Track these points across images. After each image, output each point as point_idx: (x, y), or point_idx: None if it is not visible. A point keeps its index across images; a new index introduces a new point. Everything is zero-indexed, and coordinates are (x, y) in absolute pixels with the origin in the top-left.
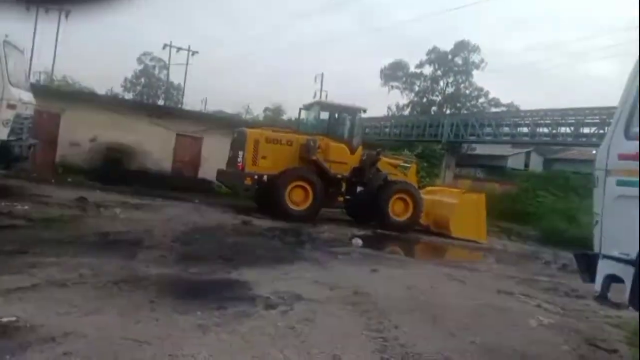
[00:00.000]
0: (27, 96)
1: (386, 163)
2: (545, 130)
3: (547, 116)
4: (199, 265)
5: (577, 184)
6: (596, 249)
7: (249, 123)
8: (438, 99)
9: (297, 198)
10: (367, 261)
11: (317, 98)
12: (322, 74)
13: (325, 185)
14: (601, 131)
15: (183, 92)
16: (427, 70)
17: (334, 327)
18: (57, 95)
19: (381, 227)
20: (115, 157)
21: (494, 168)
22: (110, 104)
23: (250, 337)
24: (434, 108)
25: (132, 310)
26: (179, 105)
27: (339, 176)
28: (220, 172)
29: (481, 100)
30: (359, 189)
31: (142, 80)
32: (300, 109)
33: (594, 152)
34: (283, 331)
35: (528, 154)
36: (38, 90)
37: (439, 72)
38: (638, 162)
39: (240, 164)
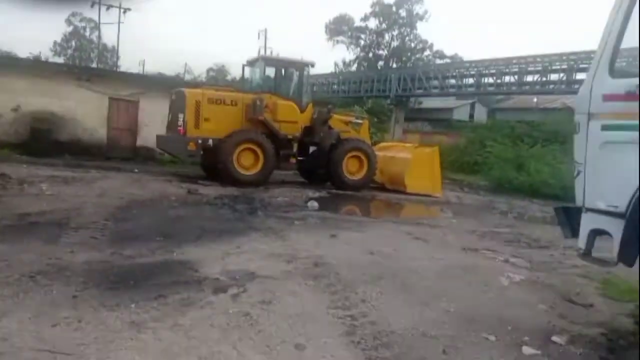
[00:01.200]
0: None
1: (338, 120)
2: (491, 80)
3: (491, 66)
4: (135, 246)
5: (522, 132)
6: (578, 202)
7: (189, 84)
8: (384, 53)
9: (246, 162)
10: (325, 226)
11: (262, 54)
12: (265, 30)
13: (276, 146)
14: (544, 78)
15: (117, 54)
16: (372, 23)
17: (294, 308)
18: None
19: (336, 187)
20: (42, 127)
21: (440, 121)
22: (32, 68)
23: (195, 331)
24: (380, 63)
25: (49, 309)
26: (114, 69)
27: (290, 136)
28: (159, 138)
29: (426, 53)
30: (311, 149)
31: (73, 43)
32: (243, 66)
33: (534, 100)
34: (235, 320)
35: (473, 105)
36: None
37: (384, 26)
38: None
39: (181, 128)
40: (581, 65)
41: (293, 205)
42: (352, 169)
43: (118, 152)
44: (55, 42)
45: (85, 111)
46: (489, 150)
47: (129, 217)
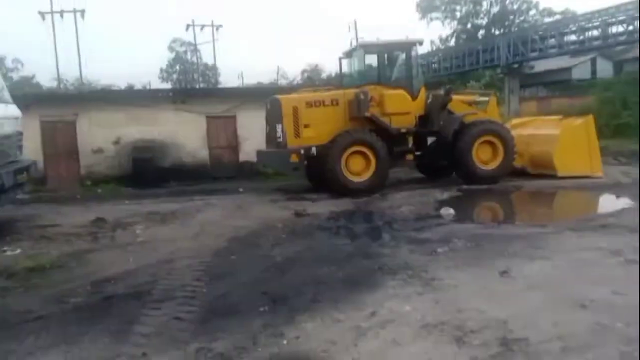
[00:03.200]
0: (4, 110)
1: (459, 102)
2: (621, 28)
3: (619, 12)
4: (231, 329)
5: None
6: None
7: (284, 90)
8: (484, 21)
9: (357, 167)
10: (483, 252)
11: (360, 41)
12: (355, 21)
13: (388, 144)
14: None
15: (216, 70)
16: None
17: None
18: (68, 100)
19: (466, 181)
20: (143, 156)
21: (558, 83)
22: (128, 98)
23: None
24: (481, 32)
25: None
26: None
27: (403, 130)
28: (260, 154)
29: (532, 12)
30: (429, 140)
31: (177, 67)
32: (340, 59)
33: None
34: None
35: (593, 60)
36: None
37: None
38: None
39: (281, 139)
40: None
41: (423, 217)
42: (484, 157)
43: (222, 171)
44: (161, 70)
45: (184, 134)
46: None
47: (227, 270)
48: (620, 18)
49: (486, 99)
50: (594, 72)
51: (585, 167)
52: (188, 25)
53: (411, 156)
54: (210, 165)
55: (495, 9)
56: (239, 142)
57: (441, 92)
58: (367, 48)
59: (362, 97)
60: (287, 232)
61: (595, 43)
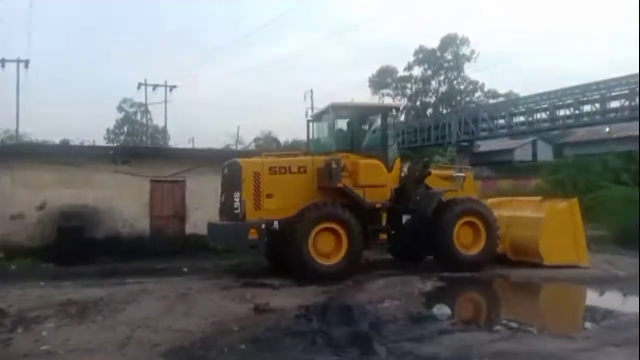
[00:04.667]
0: None
1: (436, 177)
2: (568, 112)
3: (566, 96)
4: None
5: (618, 167)
6: None
7: (243, 154)
8: (432, 100)
9: (326, 247)
10: None
11: (332, 103)
12: (312, 90)
13: (362, 221)
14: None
15: (166, 133)
16: (417, 71)
17: None
18: None
19: (445, 268)
20: (72, 224)
21: (501, 163)
22: (60, 156)
23: None
24: (429, 110)
25: None
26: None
27: (378, 205)
28: (212, 228)
29: (477, 94)
30: (404, 218)
31: (125, 128)
32: (308, 122)
33: (607, 129)
34: None
35: (534, 143)
36: None
37: (429, 72)
38: None
39: (238, 210)
40: None
41: (415, 318)
42: (465, 240)
43: (165, 245)
44: (108, 130)
45: (123, 199)
46: (603, 192)
47: None
48: (568, 102)
49: (463, 174)
50: (534, 154)
51: (571, 255)
52: (140, 84)
53: (384, 235)
54: (150, 237)
55: (443, 89)
56: (187, 211)
57: (418, 164)
58: (340, 110)
59: (334, 165)
60: (246, 340)
61: (544, 125)
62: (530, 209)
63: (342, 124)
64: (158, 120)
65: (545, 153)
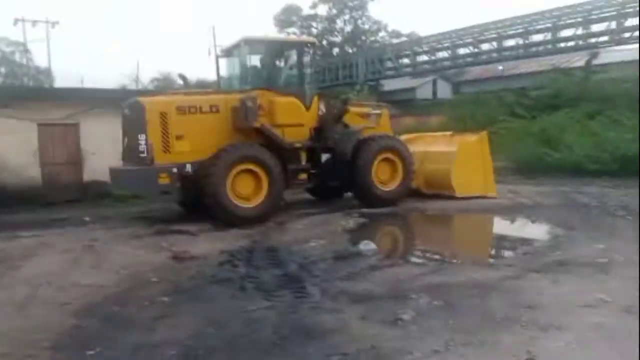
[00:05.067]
0: None
1: (353, 114)
2: (467, 50)
3: (465, 35)
4: None
5: (512, 102)
6: None
7: (145, 93)
8: (338, 39)
9: (246, 190)
10: (464, 319)
11: (244, 36)
12: (214, 27)
13: (281, 162)
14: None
15: (50, 74)
16: (322, 9)
17: None
18: None
19: (365, 204)
20: None
21: (403, 102)
22: None
23: None
24: (335, 49)
25: None
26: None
27: (297, 145)
28: (115, 173)
29: (381, 34)
30: (323, 157)
31: (2, 69)
32: (217, 57)
33: (500, 67)
34: None
35: (434, 81)
36: None
37: (334, 11)
38: None
39: (145, 154)
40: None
41: (343, 255)
42: (383, 176)
43: (60, 195)
44: None
45: (7, 146)
46: (504, 126)
47: None
48: (467, 41)
49: (379, 111)
50: (434, 92)
51: (480, 187)
52: (17, 20)
53: (304, 175)
54: (43, 186)
55: (348, 28)
56: (83, 157)
57: (338, 103)
58: (253, 45)
59: (249, 103)
60: (168, 291)
61: (445, 64)
62: (443, 144)
63: (255, 60)
64: (40, 61)
65: (445, 91)
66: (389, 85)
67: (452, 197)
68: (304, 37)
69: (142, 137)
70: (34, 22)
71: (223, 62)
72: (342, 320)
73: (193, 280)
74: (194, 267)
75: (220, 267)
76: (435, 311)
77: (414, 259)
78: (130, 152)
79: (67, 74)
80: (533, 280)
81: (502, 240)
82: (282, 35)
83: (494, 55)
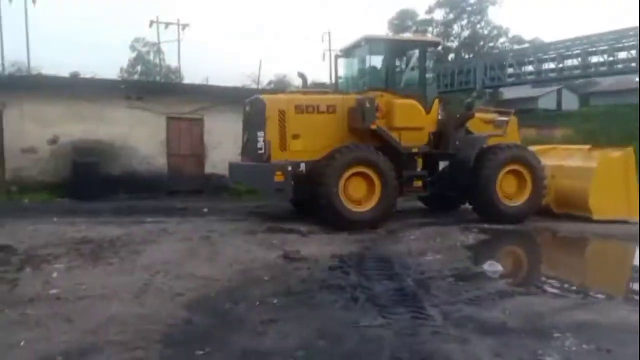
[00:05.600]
0: None
1: (478, 120)
2: (601, 59)
3: (599, 42)
4: None
5: None
6: None
7: (268, 91)
8: (454, 44)
9: (358, 193)
10: None
11: (365, 35)
12: (329, 32)
13: (396, 167)
14: None
15: (180, 73)
16: (438, 14)
17: None
18: None
19: (485, 218)
20: (87, 160)
21: (524, 112)
22: (70, 88)
23: None
24: (451, 55)
25: None
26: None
27: (415, 150)
28: (233, 167)
29: (501, 40)
30: (441, 164)
31: (138, 68)
32: (336, 57)
33: (636, 79)
34: None
35: (559, 91)
36: None
37: (451, 15)
38: None
39: (262, 151)
40: None
41: (463, 274)
42: (508, 190)
43: (183, 184)
44: (121, 69)
45: (139, 136)
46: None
47: None
48: (602, 48)
49: (506, 118)
50: (559, 103)
51: (622, 210)
52: (152, 22)
53: (420, 183)
54: (168, 175)
55: (465, 33)
56: (206, 150)
57: (463, 107)
58: (374, 44)
59: (367, 105)
60: (278, 292)
61: (574, 72)
62: (579, 158)
63: (375, 60)
64: (171, 61)
65: (571, 102)
66: (508, 93)
67: (587, 220)
68: (428, 37)
69: (260, 134)
70: (167, 24)
71: (341, 62)
72: (470, 354)
73: (304, 283)
74: (304, 268)
75: (331, 273)
76: (587, 356)
77: (549, 289)
78: (249, 148)
79: (194, 73)
80: None
81: None
82: (404, 35)
83: (632, 65)
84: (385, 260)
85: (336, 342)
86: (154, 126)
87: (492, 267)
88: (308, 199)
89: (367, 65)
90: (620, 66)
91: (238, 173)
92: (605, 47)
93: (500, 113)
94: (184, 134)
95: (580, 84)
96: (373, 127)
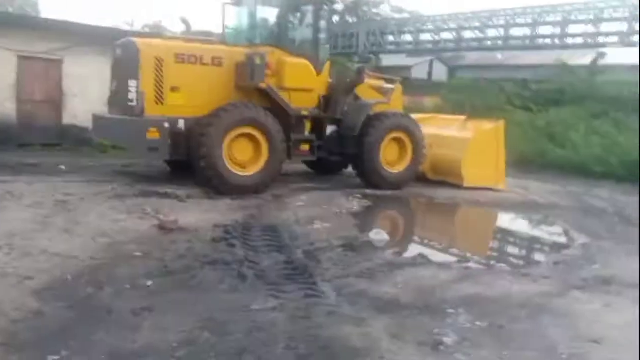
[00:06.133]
0: None
1: (367, 87)
2: (472, 35)
3: (472, 19)
4: None
5: (512, 93)
6: None
7: (142, 35)
8: (340, 7)
9: (243, 155)
10: (513, 343)
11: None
12: None
13: (285, 129)
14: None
15: (37, 7)
16: None
17: None
18: None
19: (368, 184)
20: None
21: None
22: None
23: None
24: (335, 18)
25: None
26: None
27: (305, 113)
28: (98, 120)
29: (383, 7)
30: (329, 129)
31: None
32: (224, 5)
33: (499, 56)
34: None
35: (431, 62)
36: None
37: None
38: None
39: (135, 103)
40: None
41: (352, 245)
42: (391, 157)
43: (36, 136)
44: None
45: None
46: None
47: None
48: (474, 25)
49: (392, 86)
50: (430, 73)
51: (490, 179)
52: None
53: (307, 147)
54: (18, 125)
55: None
56: (65, 97)
57: (353, 71)
58: None
59: (257, 61)
60: (153, 273)
61: (449, 45)
62: (455, 129)
63: (268, 12)
64: None
65: (440, 73)
66: (386, 61)
67: (459, 187)
68: None
69: (133, 84)
70: None
71: (230, 10)
72: (369, 338)
73: (183, 259)
74: (184, 241)
75: (215, 245)
76: (482, 336)
77: (435, 259)
78: (117, 98)
79: (54, 12)
80: (581, 302)
81: (528, 243)
82: None
83: (499, 43)
84: (272, 229)
85: (224, 333)
86: (1, 65)
87: (378, 235)
88: (186, 160)
89: (259, 17)
90: (489, 43)
91: (104, 127)
92: (477, 25)
93: (387, 81)
94: (38, 78)
95: (450, 57)
96: (263, 85)
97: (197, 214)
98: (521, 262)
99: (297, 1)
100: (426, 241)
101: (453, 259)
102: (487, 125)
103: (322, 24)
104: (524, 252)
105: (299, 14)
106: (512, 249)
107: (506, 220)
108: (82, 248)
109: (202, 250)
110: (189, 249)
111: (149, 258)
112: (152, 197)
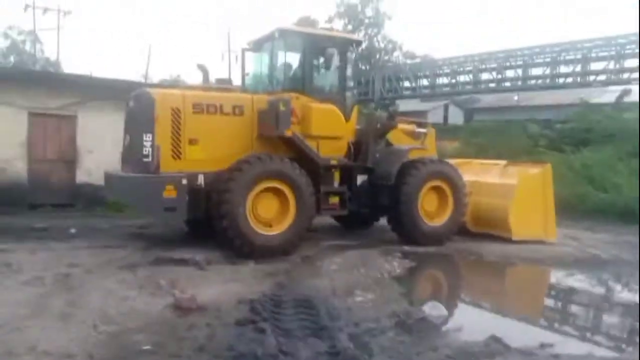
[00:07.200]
0: None
1: (399, 132)
2: (490, 76)
3: (489, 60)
4: None
5: (535, 133)
6: None
7: (157, 86)
8: (353, 55)
9: (268, 212)
10: None
11: (278, 26)
12: (229, 33)
13: (313, 181)
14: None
15: (59, 65)
16: (338, 24)
17: None
18: None
19: (405, 239)
20: None
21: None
22: None
23: None
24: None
25: None
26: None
27: (334, 162)
28: (110, 179)
29: (396, 53)
30: (359, 179)
31: (12, 59)
32: (243, 50)
33: (515, 97)
34: None
35: (446, 106)
36: None
37: (350, 27)
38: None
39: (149, 159)
40: (566, 57)
41: (406, 324)
42: (430, 208)
43: (48, 196)
44: None
45: None
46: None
47: None
48: (491, 66)
49: (425, 130)
50: (445, 117)
51: (539, 230)
52: (27, 6)
53: (336, 199)
54: (29, 186)
55: (363, 45)
56: (78, 154)
57: (384, 116)
58: (289, 37)
59: (282, 107)
60: None
61: (468, 87)
62: (497, 174)
63: (291, 56)
64: (51, 53)
65: (456, 117)
66: (402, 106)
67: (503, 239)
68: (350, 35)
69: (148, 137)
70: (45, 10)
71: (250, 57)
72: None
73: (202, 354)
74: (203, 326)
75: (240, 331)
76: None
77: (511, 342)
78: (131, 154)
79: (76, 67)
80: None
81: (619, 313)
82: (321, 30)
83: (519, 83)
84: (307, 304)
85: None
86: (11, 123)
87: (435, 310)
88: (206, 219)
89: (280, 61)
90: (508, 84)
91: (117, 186)
92: (494, 66)
93: (418, 125)
94: (51, 135)
95: (464, 100)
96: (289, 134)
97: (218, 285)
98: (622, 344)
99: (321, 43)
100: (493, 315)
101: (533, 341)
102: (533, 170)
103: (349, 67)
104: (617, 327)
105: (322, 58)
106: (602, 323)
107: (579, 283)
108: (80, 341)
109: (225, 338)
110: (209, 338)
111: (160, 354)
112: (168, 265)
